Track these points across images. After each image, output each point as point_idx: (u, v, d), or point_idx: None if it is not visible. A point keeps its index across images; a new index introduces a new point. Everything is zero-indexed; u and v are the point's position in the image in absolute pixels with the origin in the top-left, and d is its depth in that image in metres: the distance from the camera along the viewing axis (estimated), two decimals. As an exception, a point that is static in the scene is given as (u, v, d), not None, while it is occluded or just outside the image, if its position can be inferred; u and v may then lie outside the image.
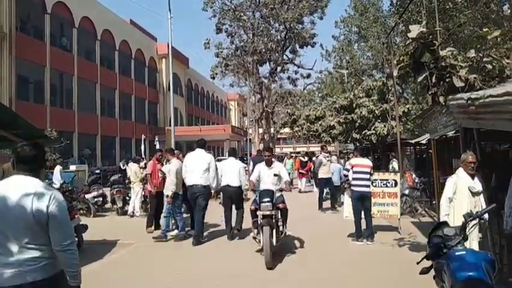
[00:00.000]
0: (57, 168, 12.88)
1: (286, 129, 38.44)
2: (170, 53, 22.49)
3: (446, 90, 5.48)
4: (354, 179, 8.02)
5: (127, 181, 12.62)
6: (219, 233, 8.77)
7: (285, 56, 35.89)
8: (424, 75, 5.65)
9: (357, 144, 17.17)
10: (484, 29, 5.84)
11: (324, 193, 12.98)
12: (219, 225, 9.24)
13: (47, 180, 10.95)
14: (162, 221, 8.55)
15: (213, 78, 35.40)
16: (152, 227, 9.16)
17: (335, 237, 8.44)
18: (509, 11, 15.50)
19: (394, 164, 14.29)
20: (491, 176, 6.75)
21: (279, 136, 48.96)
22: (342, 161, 19.22)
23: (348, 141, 21.75)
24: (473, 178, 5.13)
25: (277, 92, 38.82)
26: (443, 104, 5.56)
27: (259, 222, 6.62)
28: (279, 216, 6.94)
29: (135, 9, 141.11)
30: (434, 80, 5.59)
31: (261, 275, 5.92)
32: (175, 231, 8.54)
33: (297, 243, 7.73)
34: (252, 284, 5.63)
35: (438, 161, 9.30)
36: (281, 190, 7.36)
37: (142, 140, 24.63)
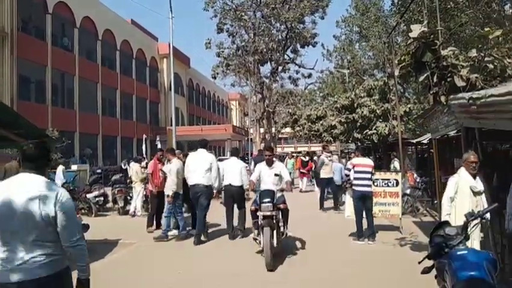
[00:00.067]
0: (60, 168, 12.93)
1: (288, 129, 38.40)
2: (172, 53, 22.53)
3: (448, 90, 5.47)
4: (355, 178, 8.02)
5: (128, 181, 12.64)
6: (220, 232, 8.77)
7: (286, 56, 35.88)
8: (425, 74, 5.63)
9: (359, 144, 17.20)
10: (486, 29, 5.84)
11: (326, 193, 12.98)
12: (220, 224, 9.25)
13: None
14: (163, 221, 8.56)
15: (214, 78, 35.43)
16: (153, 227, 9.18)
17: (336, 236, 8.44)
18: (510, 11, 15.48)
19: (395, 164, 14.29)
20: (492, 175, 6.76)
21: (280, 136, 49.01)
22: (343, 160, 19.20)
23: (350, 141, 21.75)
24: (474, 178, 5.12)
25: (279, 91, 38.84)
26: (445, 103, 5.55)
27: (259, 223, 6.53)
28: (280, 217, 6.83)
29: (136, 9, 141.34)
30: (435, 80, 5.57)
31: (262, 274, 5.92)
32: (174, 231, 8.55)
33: (298, 243, 7.72)
34: (253, 284, 5.63)
35: (439, 161, 9.29)
36: (282, 190, 7.23)
37: (143, 139, 24.64)
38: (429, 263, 3.54)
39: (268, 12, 31.97)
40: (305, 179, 18.46)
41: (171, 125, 24.33)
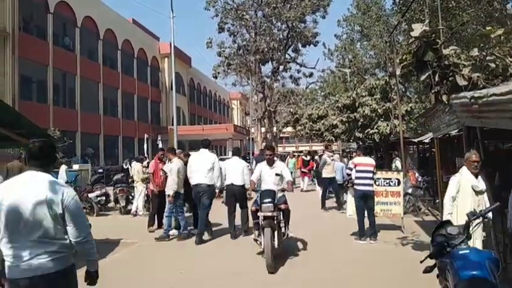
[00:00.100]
0: (63, 167, 12.95)
1: (289, 128, 38.41)
2: (173, 52, 22.51)
3: (449, 89, 5.46)
4: (357, 177, 8.00)
5: (130, 180, 12.65)
6: (222, 232, 8.78)
7: (287, 55, 35.92)
8: (427, 74, 5.62)
9: (360, 143, 17.17)
10: (487, 28, 5.82)
11: (327, 192, 12.97)
12: (221, 224, 9.25)
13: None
14: (165, 220, 8.57)
15: (215, 77, 35.51)
16: (154, 226, 9.19)
17: (337, 236, 8.44)
18: (512, 9, 15.44)
19: (397, 163, 14.27)
20: (494, 174, 6.74)
21: (281, 135, 49.01)
22: (345, 159, 19.19)
23: (351, 140, 21.71)
24: (476, 177, 5.12)
25: (280, 91, 38.88)
26: (446, 102, 5.54)
27: (260, 224, 6.45)
28: (281, 218, 6.72)
29: (137, 8, 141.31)
30: (437, 79, 5.56)
31: (264, 274, 5.91)
32: (174, 231, 8.56)
33: (299, 243, 7.72)
34: (254, 284, 5.62)
35: (441, 160, 9.28)
36: (283, 190, 7.08)
37: (145, 139, 24.66)
38: (431, 262, 3.53)
39: (270, 11, 31.99)
40: (306, 178, 18.46)
41: (172, 125, 24.33)
